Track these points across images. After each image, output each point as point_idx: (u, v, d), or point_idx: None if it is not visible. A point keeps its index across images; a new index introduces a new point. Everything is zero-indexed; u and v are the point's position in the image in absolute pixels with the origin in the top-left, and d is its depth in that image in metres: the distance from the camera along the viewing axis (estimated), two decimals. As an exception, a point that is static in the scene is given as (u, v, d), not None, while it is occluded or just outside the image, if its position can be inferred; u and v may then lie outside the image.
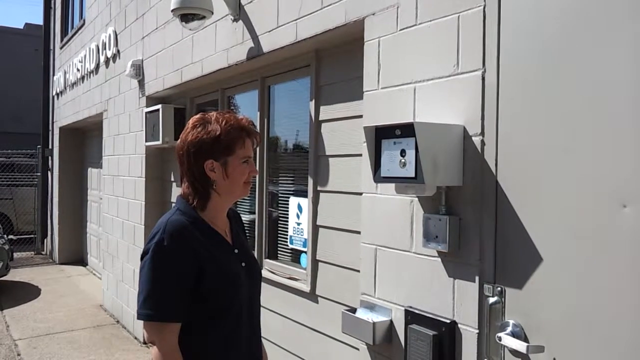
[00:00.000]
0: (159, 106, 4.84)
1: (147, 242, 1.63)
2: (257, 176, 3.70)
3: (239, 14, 3.55)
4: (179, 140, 1.72)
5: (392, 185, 2.18)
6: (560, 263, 1.67)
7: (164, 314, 1.57)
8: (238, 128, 1.69)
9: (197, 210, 1.69)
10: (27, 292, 7.24)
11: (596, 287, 1.58)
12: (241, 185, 1.72)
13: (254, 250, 3.70)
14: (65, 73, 8.82)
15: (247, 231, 3.98)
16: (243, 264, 1.76)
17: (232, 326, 1.69)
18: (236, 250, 1.77)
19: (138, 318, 1.59)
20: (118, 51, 6.10)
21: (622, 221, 1.51)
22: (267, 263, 3.64)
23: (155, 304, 1.56)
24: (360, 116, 2.60)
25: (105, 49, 6.47)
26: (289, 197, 3.48)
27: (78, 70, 7.79)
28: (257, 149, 3.70)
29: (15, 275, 8.19)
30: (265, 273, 3.54)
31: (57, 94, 9.53)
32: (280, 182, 3.65)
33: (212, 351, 1.66)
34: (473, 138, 1.95)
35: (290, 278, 3.35)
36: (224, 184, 1.69)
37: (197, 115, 1.73)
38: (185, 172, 1.70)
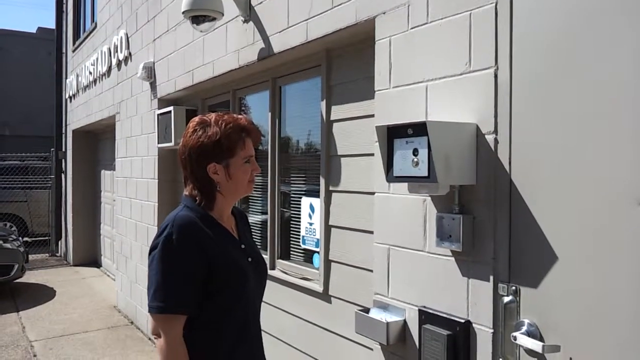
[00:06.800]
0: (170, 108, 4.87)
1: (155, 238, 1.64)
2: (269, 177, 3.71)
3: (250, 15, 3.56)
4: (180, 145, 1.74)
5: (405, 184, 2.17)
6: (576, 262, 1.66)
7: (175, 306, 1.59)
8: (238, 129, 1.71)
9: (204, 208, 1.72)
10: (43, 294, 7.32)
11: (612, 285, 1.56)
12: (245, 185, 1.75)
13: (266, 250, 3.71)
14: (77, 76, 8.91)
15: (259, 231, 3.98)
16: (250, 259, 1.78)
17: (240, 321, 1.71)
18: (243, 246, 1.79)
19: (149, 311, 1.61)
20: (130, 54, 6.14)
21: (638, 219, 1.49)
22: (280, 263, 3.64)
23: (167, 296, 1.58)
24: (372, 115, 2.59)
25: (117, 51, 6.53)
26: (301, 197, 3.49)
27: (90, 73, 7.86)
28: (269, 149, 3.71)
29: (31, 277, 8.28)
30: (277, 273, 3.55)
31: (70, 97, 9.62)
32: (292, 182, 3.65)
33: (221, 346, 1.67)
34: (486, 136, 1.93)
35: (303, 278, 3.35)
36: (227, 185, 1.71)
37: (196, 119, 1.74)
38: (189, 176, 1.74)
